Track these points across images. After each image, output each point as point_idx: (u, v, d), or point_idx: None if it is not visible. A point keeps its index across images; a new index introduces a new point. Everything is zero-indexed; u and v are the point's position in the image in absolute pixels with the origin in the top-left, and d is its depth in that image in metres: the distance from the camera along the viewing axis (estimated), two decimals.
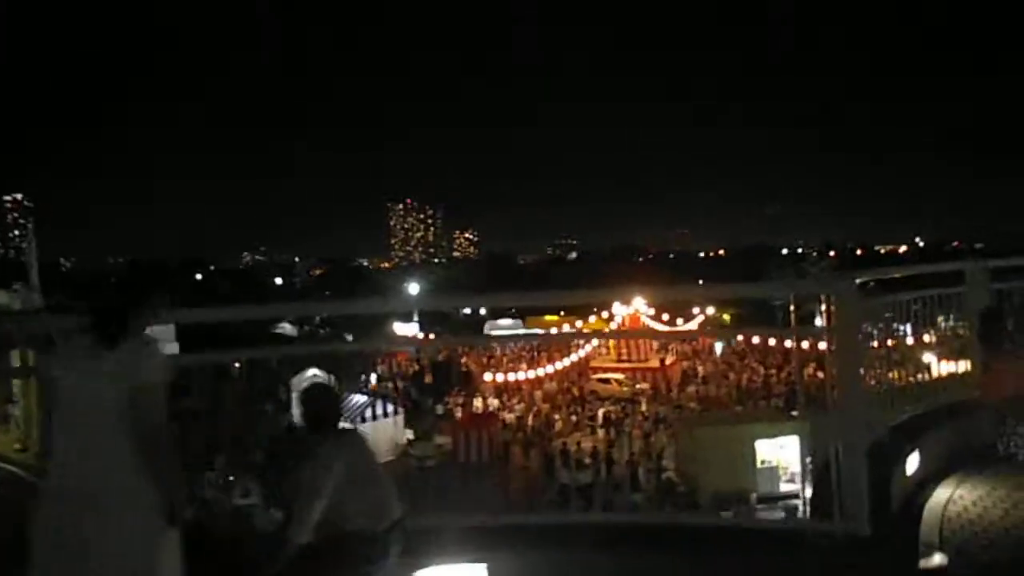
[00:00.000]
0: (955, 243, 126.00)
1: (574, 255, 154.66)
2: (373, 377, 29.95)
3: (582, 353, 34.99)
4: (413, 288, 58.24)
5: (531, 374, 30.23)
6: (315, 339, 46.35)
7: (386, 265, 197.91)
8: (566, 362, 33.64)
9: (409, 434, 25.81)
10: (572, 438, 26.66)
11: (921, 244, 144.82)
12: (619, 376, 34.15)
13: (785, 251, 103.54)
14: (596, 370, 35.49)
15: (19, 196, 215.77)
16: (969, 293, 5.98)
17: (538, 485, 20.89)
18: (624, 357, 36.19)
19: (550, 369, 32.58)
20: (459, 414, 27.20)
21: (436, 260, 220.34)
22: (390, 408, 25.82)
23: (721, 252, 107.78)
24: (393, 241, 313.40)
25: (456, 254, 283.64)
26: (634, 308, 36.82)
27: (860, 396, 4.21)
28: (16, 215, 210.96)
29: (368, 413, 25.03)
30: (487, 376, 28.11)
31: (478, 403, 28.89)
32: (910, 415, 5.74)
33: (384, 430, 25.14)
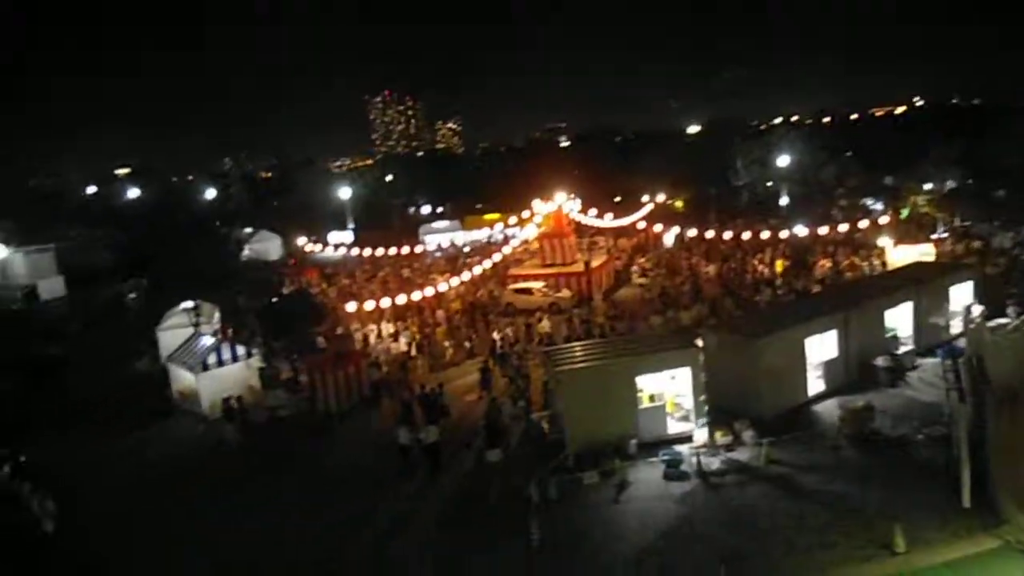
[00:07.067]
0: (953, 100, 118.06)
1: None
2: (217, 314, 25.52)
3: (497, 258, 30.51)
4: (345, 192, 53.11)
5: (429, 291, 25.74)
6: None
7: (369, 162, 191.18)
8: (477, 271, 29.24)
9: None
10: (463, 369, 22.89)
11: (920, 104, 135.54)
12: (539, 284, 29.97)
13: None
14: (516, 278, 31.26)
15: None
16: None
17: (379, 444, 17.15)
18: (548, 261, 31.83)
19: (456, 282, 28.19)
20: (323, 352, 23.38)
21: (419, 154, 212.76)
22: (240, 350, 21.85)
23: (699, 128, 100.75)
24: (374, 136, 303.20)
25: (440, 145, 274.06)
26: (557, 204, 32.16)
27: None
28: None
29: (212, 359, 21.14)
30: (370, 304, 23.33)
31: (359, 336, 24.91)
32: None
33: (230, 377, 21.38)
